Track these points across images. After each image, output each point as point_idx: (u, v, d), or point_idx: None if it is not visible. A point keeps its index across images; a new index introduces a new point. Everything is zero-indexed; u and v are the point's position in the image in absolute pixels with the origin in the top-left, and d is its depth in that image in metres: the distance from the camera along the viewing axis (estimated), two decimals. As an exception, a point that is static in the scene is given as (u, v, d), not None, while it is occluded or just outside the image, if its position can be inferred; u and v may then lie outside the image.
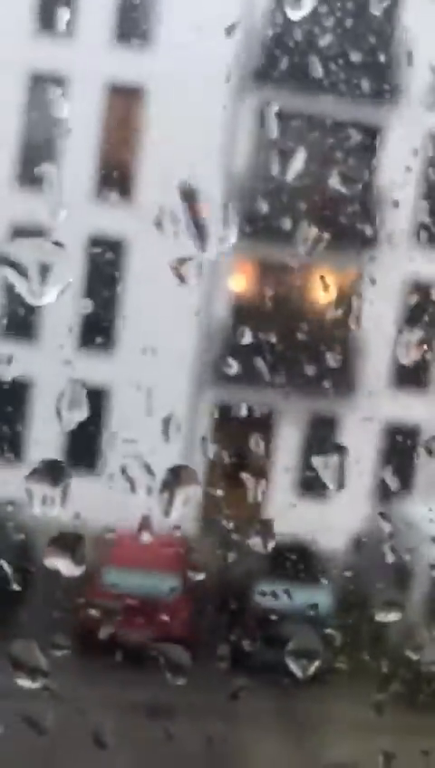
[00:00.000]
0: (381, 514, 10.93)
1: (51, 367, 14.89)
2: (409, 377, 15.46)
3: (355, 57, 14.55)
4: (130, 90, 15.79)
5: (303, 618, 8.31)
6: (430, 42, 15.74)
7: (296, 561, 8.32)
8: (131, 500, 4.46)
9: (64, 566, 4.20)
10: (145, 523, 4.09)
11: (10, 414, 14.26)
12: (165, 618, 8.02)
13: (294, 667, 4.14)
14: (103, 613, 8.23)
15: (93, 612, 8.01)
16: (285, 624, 8.72)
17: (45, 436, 15.28)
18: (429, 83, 15.52)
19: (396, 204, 15.48)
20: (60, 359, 15.19)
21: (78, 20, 15.38)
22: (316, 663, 4.16)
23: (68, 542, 4.25)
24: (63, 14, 15.63)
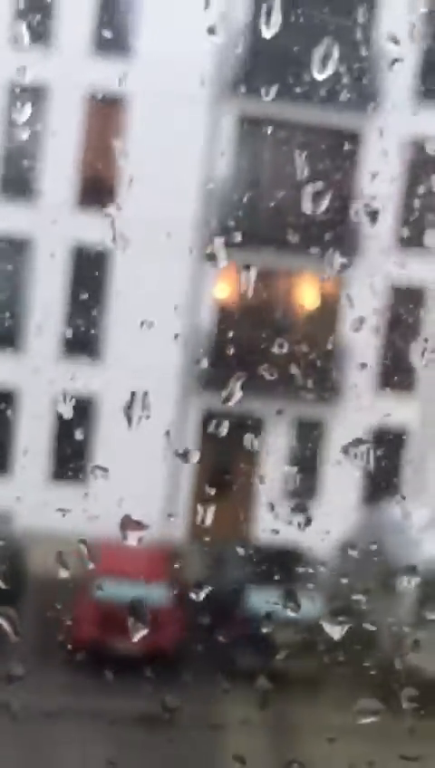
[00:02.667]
0: (369, 517, 10.99)
1: (36, 376, 14.86)
2: (394, 379, 15.52)
3: (334, 63, 14.65)
4: (109, 99, 15.81)
5: (292, 622, 8.32)
6: (408, 46, 15.78)
7: (285, 565, 8.33)
8: (118, 509, 4.46)
9: (55, 573, 4.21)
10: (127, 524, 4.06)
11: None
12: (156, 627, 8.00)
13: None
14: (93, 625, 8.22)
15: (84, 624, 7.99)
16: (275, 630, 8.73)
17: (32, 445, 15.22)
18: (408, 89, 15.64)
19: (378, 209, 15.56)
20: (45, 368, 15.20)
21: (57, 30, 15.41)
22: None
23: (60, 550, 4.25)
24: (41, 25, 15.65)
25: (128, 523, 4.03)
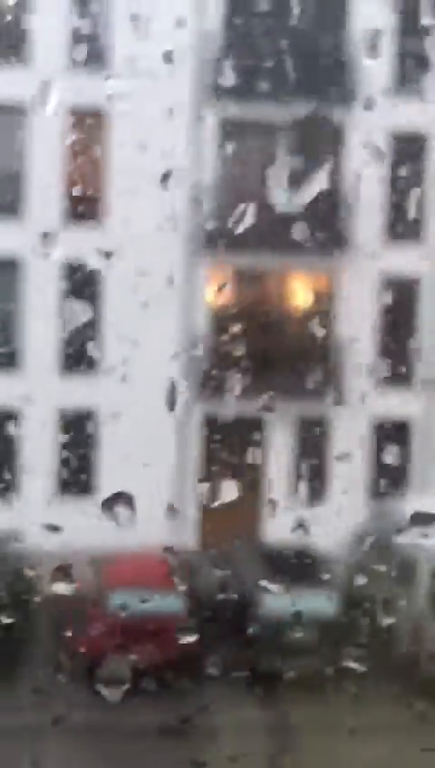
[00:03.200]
0: (378, 512, 10.94)
1: (35, 394, 14.78)
2: (395, 373, 15.49)
3: (312, 61, 14.68)
4: (90, 113, 15.81)
5: (308, 622, 8.26)
6: (385, 42, 15.87)
7: (297, 565, 8.30)
8: (123, 523, 4.44)
9: (65, 588, 4.18)
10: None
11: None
12: (169, 636, 7.97)
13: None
14: (108, 637, 8.17)
15: (98, 637, 7.94)
16: (292, 630, 8.67)
17: (37, 463, 15.12)
18: (389, 81, 15.65)
19: (363, 203, 15.57)
20: (44, 386, 15.12)
21: (33, 47, 15.43)
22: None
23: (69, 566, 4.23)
24: (17, 44, 15.66)
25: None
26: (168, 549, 4.50)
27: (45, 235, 14.46)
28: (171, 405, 4.45)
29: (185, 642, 7.64)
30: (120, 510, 4.35)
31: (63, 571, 4.70)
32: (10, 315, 15.88)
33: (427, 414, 16.48)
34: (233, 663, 8.05)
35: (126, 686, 5.68)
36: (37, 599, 7.93)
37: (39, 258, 15.40)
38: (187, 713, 8.04)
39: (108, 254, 14.92)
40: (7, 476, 14.21)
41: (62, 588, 4.76)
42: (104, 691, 5.57)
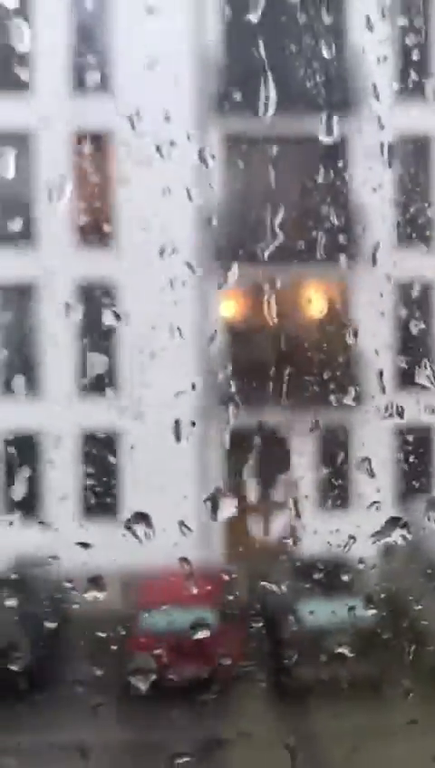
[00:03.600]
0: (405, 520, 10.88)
1: (57, 416, 14.82)
2: (413, 378, 15.45)
3: (311, 72, 14.76)
4: (96, 135, 15.97)
5: (346, 631, 8.22)
6: (379, 51, 15.93)
7: (330, 575, 8.27)
8: (153, 542, 4.46)
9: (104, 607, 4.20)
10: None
11: (26, 468, 14.27)
12: (205, 652, 7.97)
13: None
14: (148, 657, 8.17)
15: (138, 657, 7.94)
16: (326, 642, 8.63)
17: (63, 486, 15.16)
18: (390, 89, 15.70)
19: (371, 209, 15.60)
20: (65, 409, 15.16)
21: (35, 74, 15.61)
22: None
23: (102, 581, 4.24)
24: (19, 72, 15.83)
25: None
26: (184, 559, 4.51)
27: (58, 259, 14.61)
28: (178, 437, 4.52)
29: (221, 657, 7.64)
30: (140, 528, 4.39)
31: (100, 593, 4.73)
32: (28, 340, 16.00)
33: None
34: (270, 676, 8.02)
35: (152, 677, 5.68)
36: (74, 619, 7.97)
37: (52, 283, 15.55)
38: (225, 728, 8.02)
39: (123, 273, 15.04)
40: (34, 500, 14.27)
41: (98, 608, 4.79)
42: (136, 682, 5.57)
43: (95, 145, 16.27)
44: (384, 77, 15.98)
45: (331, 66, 14.97)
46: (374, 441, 14.70)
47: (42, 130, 15.55)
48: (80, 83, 15.81)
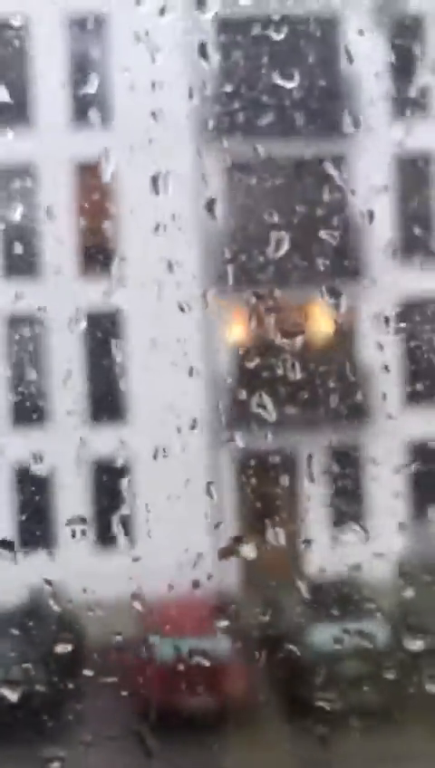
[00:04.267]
0: (419, 533, 10.79)
1: (66, 444, 14.84)
2: (423, 395, 15.40)
3: (308, 94, 14.87)
4: (97, 165, 16.12)
5: (360, 655, 8.12)
6: (377, 70, 16.05)
7: (344, 598, 8.19)
8: (163, 570, 4.43)
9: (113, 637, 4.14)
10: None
11: (35, 500, 14.24)
12: (223, 681, 7.89)
13: None
14: (157, 686, 8.08)
15: (146, 686, 7.86)
16: (340, 666, 8.52)
17: (72, 513, 15.10)
18: (383, 111, 15.81)
19: (374, 228, 15.64)
20: (74, 435, 15.17)
21: (35, 106, 15.78)
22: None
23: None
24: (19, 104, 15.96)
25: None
26: (206, 594, 4.46)
27: (62, 290, 14.69)
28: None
29: (234, 686, 7.54)
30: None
31: (108, 622, 4.68)
32: (36, 368, 16.05)
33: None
34: (284, 702, 7.92)
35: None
36: (84, 649, 7.89)
37: (59, 312, 15.62)
38: (241, 755, 7.91)
39: (128, 302, 15.11)
40: (44, 528, 14.23)
41: (107, 638, 4.75)
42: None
43: (96, 175, 16.41)
44: (381, 97, 16.10)
45: (328, 89, 15.09)
46: (386, 459, 14.64)
47: (43, 162, 15.70)
48: (79, 115, 15.99)
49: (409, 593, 7.92)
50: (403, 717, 7.06)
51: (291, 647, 8.93)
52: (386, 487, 14.17)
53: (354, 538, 9.19)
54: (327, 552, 7.62)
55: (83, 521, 3.92)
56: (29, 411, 14.57)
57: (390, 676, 7.47)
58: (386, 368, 15.26)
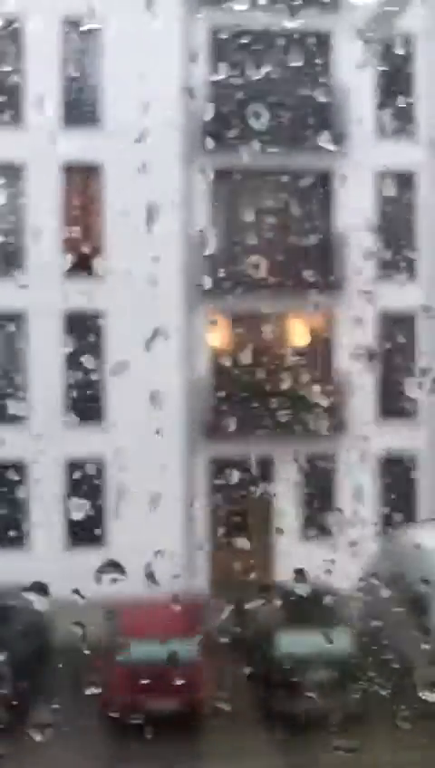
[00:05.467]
0: (387, 545, 10.95)
1: (42, 446, 14.85)
2: (396, 408, 15.59)
3: (297, 109, 15.04)
4: (85, 168, 16.18)
5: (324, 664, 8.26)
6: (365, 88, 16.27)
7: (310, 607, 8.33)
8: (135, 571, 4.54)
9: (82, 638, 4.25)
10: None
11: (7, 498, 14.28)
12: (188, 684, 7.99)
13: None
14: (124, 687, 8.16)
15: (115, 688, 7.93)
16: (307, 672, 8.66)
17: (45, 515, 15.10)
18: (373, 125, 16.02)
19: (356, 242, 15.84)
20: (51, 438, 15.23)
21: (26, 108, 15.85)
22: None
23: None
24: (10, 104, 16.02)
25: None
26: (176, 596, 4.57)
27: (46, 289, 14.74)
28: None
29: (200, 689, 7.63)
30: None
31: (78, 623, 4.79)
32: (16, 367, 16.08)
33: (431, 446, 16.55)
34: (251, 706, 8.04)
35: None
36: (53, 650, 7.97)
37: (41, 310, 15.67)
38: (205, 760, 8.01)
39: (110, 303, 15.19)
40: (17, 529, 14.26)
41: (76, 640, 4.86)
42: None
43: (84, 177, 16.48)
44: (369, 114, 16.31)
45: (317, 104, 15.27)
46: (358, 470, 14.82)
47: (32, 163, 15.76)
48: (70, 117, 16.07)
49: (374, 602, 8.07)
50: (367, 721, 7.20)
51: (257, 651, 9.05)
52: (355, 497, 14.35)
53: (324, 545, 9.33)
54: (296, 559, 7.76)
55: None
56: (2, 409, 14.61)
57: (354, 681, 7.60)
58: (362, 379, 15.46)
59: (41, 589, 3.30)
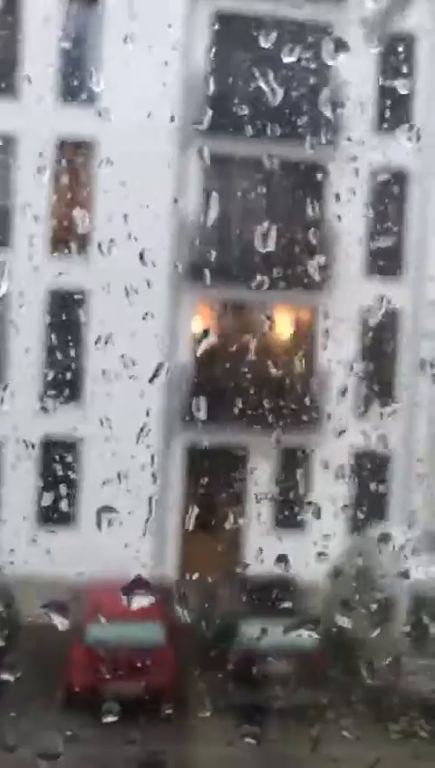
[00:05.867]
0: (356, 542, 11.02)
1: (17, 423, 14.79)
2: (374, 401, 15.65)
3: (292, 99, 14.97)
4: (79, 144, 16.04)
5: (287, 654, 8.30)
6: (360, 79, 16.23)
7: (277, 597, 8.36)
8: (107, 552, 4.53)
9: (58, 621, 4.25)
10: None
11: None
12: (152, 667, 8.00)
13: None
14: (88, 668, 8.14)
15: (78, 668, 7.93)
16: (270, 662, 8.70)
17: (17, 492, 15.10)
18: (369, 121, 16.00)
19: (345, 237, 15.84)
20: (26, 415, 15.17)
21: (23, 80, 15.66)
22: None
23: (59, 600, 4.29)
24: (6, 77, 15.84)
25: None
26: (144, 580, 4.56)
27: (33, 265, 14.62)
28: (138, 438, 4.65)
29: (164, 673, 7.64)
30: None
31: (45, 602, 4.77)
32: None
33: (406, 442, 16.65)
34: (212, 694, 8.06)
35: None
36: (19, 628, 7.94)
37: (25, 291, 15.55)
38: (166, 745, 8.04)
39: (94, 284, 15.10)
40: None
41: (42, 619, 4.84)
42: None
43: (77, 153, 16.34)
44: (362, 111, 16.28)
45: (311, 98, 15.24)
46: (334, 464, 14.86)
47: (25, 135, 15.60)
48: (66, 92, 15.90)
49: (343, 594, 8.11)
50: (330, 712, 7.25)
51: (221, 638, 9.07)
52: (330, 490, 14.39)
53: (295, 537, 9.36)
54: (266, 550, 7.77)
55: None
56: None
57: (318, 672, 7.64)
58: (341, 375, 15.50)
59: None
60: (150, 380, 6.49)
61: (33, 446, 14.58)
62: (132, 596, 4.07)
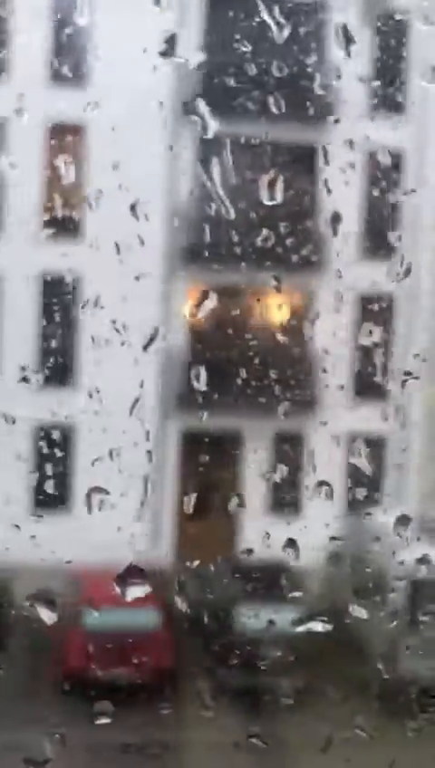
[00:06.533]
0: (353, 526, 11.00)
1: (10, 406, 14.70)
2: (369, 389, 15.61)
3: (286, 78, 14.81)
4: (70, 126, 15.87)
5: (283, 639, 8.26)
6: (357, 59, 15.95)
7: (272, 581, 8.32)
8: (101, 537, 4.45)
9: (46, 615, 4.17)
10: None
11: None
12: (148, 653, 7.97)
13: None
14: (83, 654, 8.11)
15: (74, 654, 7.89)
16: (266, 647, 8.67)
17: (11, 478, 15.05)
18: (363, 101, 15.86)
19: (340, 220, 15.71)
20: (19, 397, 15.07)
21: (12, 62, 15.46)
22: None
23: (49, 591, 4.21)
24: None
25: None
26: (139, 566, 4.49)
27: (23, 250, 14.49)
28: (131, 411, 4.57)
29: (161, 658, 7.59)
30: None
31: (40, 588, 4.70)
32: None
33: (401, 427, 16.62)
34: (208, 679, 8.04)
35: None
36: (13, 614, 7.89)
37: (17, 273, 15.41)
38: (163, 730, 8.02)
39: (87, 266, 14.98)
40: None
41: (37, 604, 4.76)
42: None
43: (68, 136, 16.17)
44: (358, 92, 16.13)
45: (306, 76, 15.07)
46: (328, 449, 14.83)
47: (14, 118, 15.42)
48: (57, 74, 15.72)
49: (338, 579, 8.08)
50: (324, 699, 7.24)
51: (216, 624, 9.04)
52: (324, 475, 14.35)
53: (291, 521, 9.32)
54: (262, 535, 7.72)
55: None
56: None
57: (314, 658, 7.61)
58: (334, 360, 15.44)
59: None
60: (145, 348, 6.36)
61: (13, 421, 14.52)
62: (127, 586, 3.99)
